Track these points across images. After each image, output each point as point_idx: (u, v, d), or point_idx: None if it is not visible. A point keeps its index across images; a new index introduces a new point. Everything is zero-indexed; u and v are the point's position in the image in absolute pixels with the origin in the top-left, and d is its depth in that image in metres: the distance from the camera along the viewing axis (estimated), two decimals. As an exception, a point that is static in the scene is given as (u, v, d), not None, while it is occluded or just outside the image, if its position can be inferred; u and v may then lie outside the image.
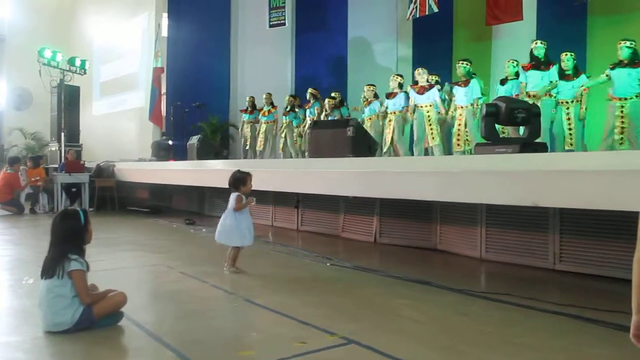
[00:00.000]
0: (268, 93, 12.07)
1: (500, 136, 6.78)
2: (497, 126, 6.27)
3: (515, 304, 4.13)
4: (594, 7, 9.76)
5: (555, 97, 7.88)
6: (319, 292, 4.57)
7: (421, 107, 8.95)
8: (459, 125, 8.56)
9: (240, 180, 5.34)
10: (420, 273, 5.27)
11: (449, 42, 12.53)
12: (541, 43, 8.00)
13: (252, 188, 5.38)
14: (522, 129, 6.58)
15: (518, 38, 10.68)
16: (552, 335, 3.42)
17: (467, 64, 8.52)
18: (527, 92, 7.93)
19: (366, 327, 3.52)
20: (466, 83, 8.49)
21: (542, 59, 7.92)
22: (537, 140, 5.85)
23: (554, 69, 7.84)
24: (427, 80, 9.10)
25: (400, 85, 9.41)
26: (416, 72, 9.27)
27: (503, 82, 8.42)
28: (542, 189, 4.46)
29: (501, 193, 4.85)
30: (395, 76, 9.55)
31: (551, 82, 7.82)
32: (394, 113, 9.36)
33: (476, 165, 5.17)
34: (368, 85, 10.38)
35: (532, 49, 8.05)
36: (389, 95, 9.50)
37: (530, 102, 7.14)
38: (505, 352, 3.09)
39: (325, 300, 4.31)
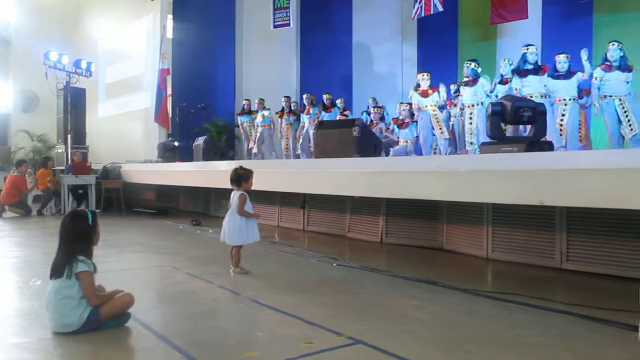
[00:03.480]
0: (260, 98, 12.33)
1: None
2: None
3: (523, 304, 4.11)
4: (600, 6, 9.73)
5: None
6: (326, 293, 4.57)
7: (425, 107, 8.95)
8: (471, 124, 8.51)
9: (243, 176, 5.35)
10: (427, 273, 5.26)
11: (454, 41, 12.54)
12: (533, 48, 7.82)
13: (259, 188, 5.38)
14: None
15: (523, 37, 10.67)
16: (561, 334, 3.40)
17: (474, 65, 8.47)
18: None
19: (373, 327, 3.51)
20: (474, 82, 8.44)
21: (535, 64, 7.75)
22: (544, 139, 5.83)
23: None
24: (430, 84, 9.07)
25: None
26: (419, 76, 9.18)
27: (504, 82, 8.35)
28: (548, 187, 4.44)
29: (507, 192, 4.84)
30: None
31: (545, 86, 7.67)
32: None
33: (482, 165, 5.16)
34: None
35: (525, 54, 7.77)
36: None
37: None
38: (514, 352, 3.08)
39: (332, 300, 4.31)
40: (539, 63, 7.83)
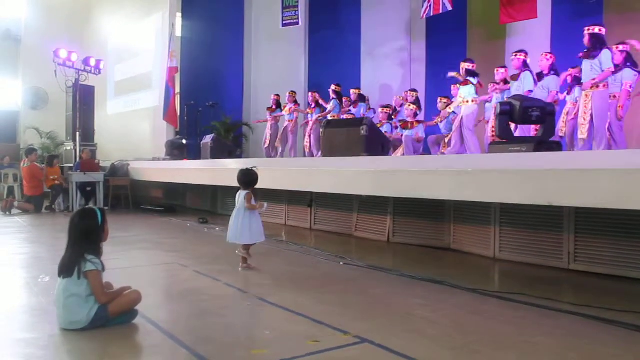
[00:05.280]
0: (292, 91, 12.17)
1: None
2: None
3: (530, 304, 4.10)
4: (610, 5, 9.67)
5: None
6: (332, 291, 4.58)
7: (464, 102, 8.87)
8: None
9: (256, 180, 5.38)
10: (434, 272, 5.25)
11: (463, 41, 12.50)
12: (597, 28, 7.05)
13: (267, 187, 5.39)
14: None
15: (532, 36, 10.63)
16: (567, 335, 3.39)
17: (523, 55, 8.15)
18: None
19: (379, 326, 3.52)
20: (517, 76, 8.12)
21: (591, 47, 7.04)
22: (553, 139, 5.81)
23: (605, 56, 6.95)
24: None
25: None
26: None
27: (540, 76, 8.01)
28: (556, 188, 4.42)
29: (515, 192, 4.82)
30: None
31: (603, 70, 6.90)
32: None
33: (490, 164, 5.15)
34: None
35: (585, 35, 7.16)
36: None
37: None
38: (520, 352, 3.07)
39: (339, 299, 4.31)
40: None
